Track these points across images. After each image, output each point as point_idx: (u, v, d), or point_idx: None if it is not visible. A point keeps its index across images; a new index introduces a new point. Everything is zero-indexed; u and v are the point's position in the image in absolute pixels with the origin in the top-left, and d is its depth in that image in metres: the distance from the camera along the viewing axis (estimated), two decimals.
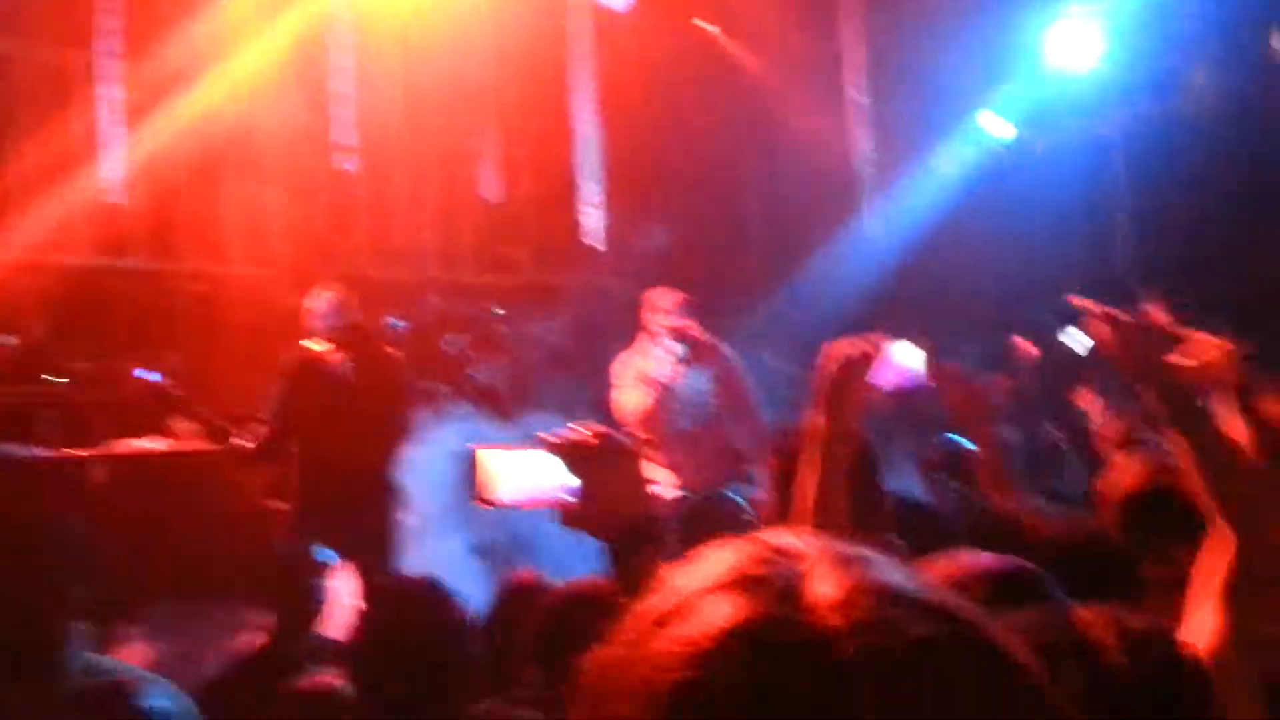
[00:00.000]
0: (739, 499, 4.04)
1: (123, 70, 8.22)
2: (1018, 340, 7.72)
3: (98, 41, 7.55)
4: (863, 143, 9.85)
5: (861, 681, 0.71)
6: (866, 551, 0.81)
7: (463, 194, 10.07)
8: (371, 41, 9.08)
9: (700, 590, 0.78)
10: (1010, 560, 1.99)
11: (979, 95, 10.28)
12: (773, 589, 0.76)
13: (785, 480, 2.66)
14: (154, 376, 7.49)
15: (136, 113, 8.46)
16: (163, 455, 6.92)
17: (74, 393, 7.11)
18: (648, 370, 6.39)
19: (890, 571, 0.79)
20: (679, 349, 6.40)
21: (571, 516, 1.71)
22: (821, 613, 0.74)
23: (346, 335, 6.05)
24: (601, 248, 9.55)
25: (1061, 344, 7.50)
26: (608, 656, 0.79)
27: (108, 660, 3.42)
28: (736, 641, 0.73)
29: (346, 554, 5.65)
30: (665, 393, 6.33)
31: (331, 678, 2.91)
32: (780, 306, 9.49)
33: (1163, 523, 2.63)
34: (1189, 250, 8.99)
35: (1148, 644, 1.28)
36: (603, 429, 5.97)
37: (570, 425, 5.76)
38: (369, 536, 6.01)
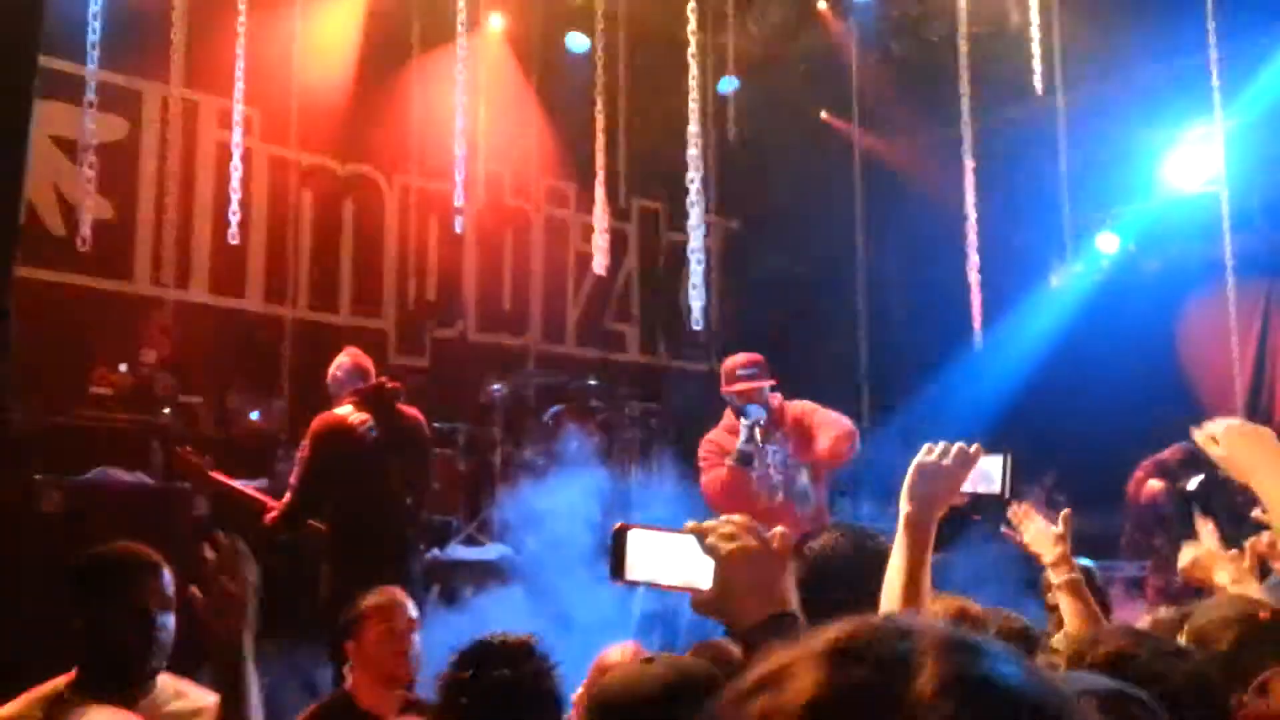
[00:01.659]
0: None
1: (253, 117, 8.38)
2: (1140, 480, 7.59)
3: (229, 88, 7.69)
4: (973, 253, 9.76)
5: None
6: (984, 639, 0.80)
7: (572, 266, 10.12)
8: (490, 108, 9.20)
9: (798, 657, 0.78)
10: (1119, 685, 1.97)
11: (1095, 213, 10.20)
12: (871, 662, 0.75)
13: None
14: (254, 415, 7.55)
15: (265, 159, 8.62)
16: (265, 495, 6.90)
17: (183, 425, 7.14)
18: (726, 444, 5.99)
19: (1003, 663, 0.77)
20: (756, 415, 5.93)
21: (701, 604, 1.68)
22: (918, 692, 0.73)
23: (368, 397, 6.13)
24: (703, 332, 9.47)
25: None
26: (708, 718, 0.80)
27: (192, 688, 3.38)
28: (818, 711, 0.74)
29: None
30: (743, 466, 5.89)
31: None
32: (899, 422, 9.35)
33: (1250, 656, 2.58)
34: None
35: None
36: (747, 521, 5.61)
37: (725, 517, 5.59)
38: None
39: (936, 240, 9.93)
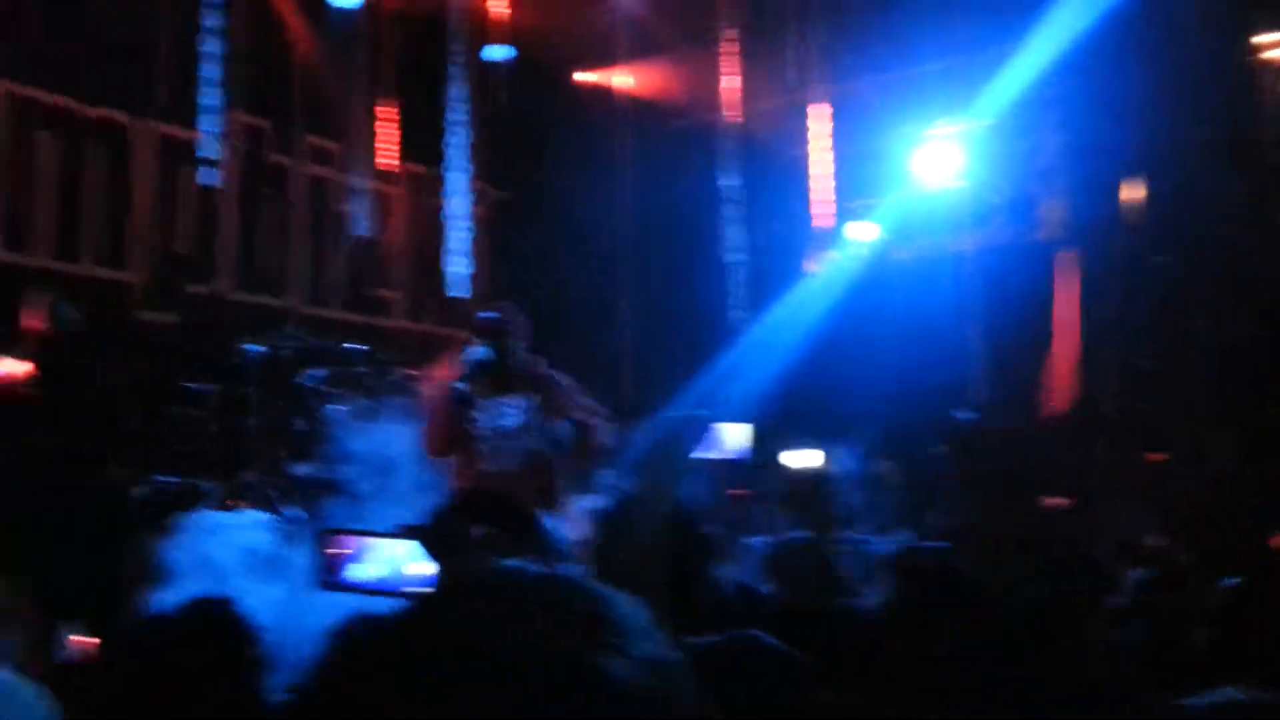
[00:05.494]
0: None
1: None
2: None
3: None
4: (735, 235, 10.02)
5: None
6: None
7: (332, 227, 9.82)
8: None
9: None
10: None
11: (847, 204, 10.61)
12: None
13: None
14: None
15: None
16: None
17: None
18: (448, 393, 5.14)
19: None
20: (479, 355, 5.12)
21: None
22: None
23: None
24: (465, 300, 9.38)
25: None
26: None
27: None
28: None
29: None
30: (455, 406, 5.11)
31: None
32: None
33: None
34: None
35: None
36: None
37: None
38: None
39: (699, 224, 10.18)
